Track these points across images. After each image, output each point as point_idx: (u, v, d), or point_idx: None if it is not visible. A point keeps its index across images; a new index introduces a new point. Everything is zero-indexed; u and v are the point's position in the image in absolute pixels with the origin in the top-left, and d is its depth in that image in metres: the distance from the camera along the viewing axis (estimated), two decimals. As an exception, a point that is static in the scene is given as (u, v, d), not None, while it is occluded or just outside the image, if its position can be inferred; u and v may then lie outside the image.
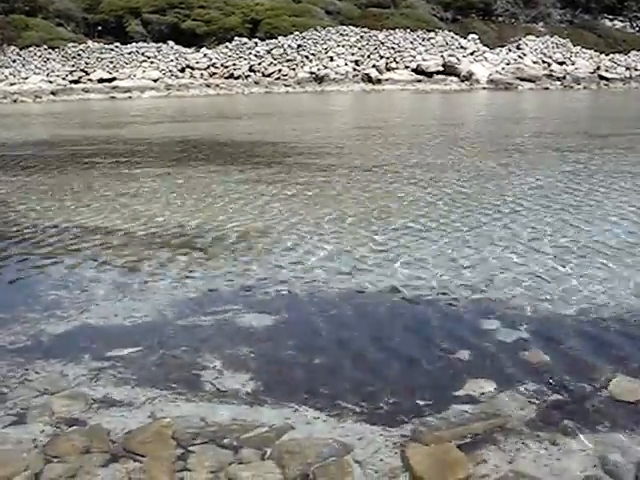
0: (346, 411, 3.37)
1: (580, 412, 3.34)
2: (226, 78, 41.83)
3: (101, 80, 40.22)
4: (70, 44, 41.97)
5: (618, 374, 3.71)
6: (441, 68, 41.77)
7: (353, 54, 42.96)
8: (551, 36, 46.52)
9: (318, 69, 41.85)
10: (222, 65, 42.35)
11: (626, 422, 3.23)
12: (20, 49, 41.07)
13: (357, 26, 44.59)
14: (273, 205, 8.25)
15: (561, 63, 43.72)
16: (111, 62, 41.50)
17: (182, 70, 42.14)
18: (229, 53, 42.84)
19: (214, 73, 42.09)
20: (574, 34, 48.57)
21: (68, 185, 10.04)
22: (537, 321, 4.51)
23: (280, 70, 42.14)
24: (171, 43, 43.24)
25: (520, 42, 45.29)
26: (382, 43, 43.45)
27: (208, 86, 40.86)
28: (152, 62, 42.11)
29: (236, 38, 43.52)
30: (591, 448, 3.02)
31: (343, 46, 43.08)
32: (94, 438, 3.17)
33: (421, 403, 3.44)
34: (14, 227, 7.44)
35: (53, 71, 40.37)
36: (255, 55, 42.73)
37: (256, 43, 43.28)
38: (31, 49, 41.15)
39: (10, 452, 3.08)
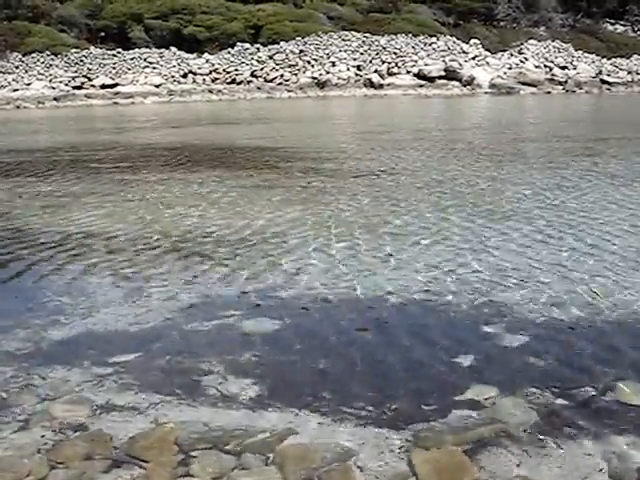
0: (349, 416, 3.36)
1: (584, 416, 3.33)
2: (228, 84, 41.91)
3: (104, 86, 40.31)
4: (73, 50, 42.10)
5: (623, 377, 3.70)
6: (443, 73, 41.80)
7: (355, 59, 43.02)
8: (553, 40, 46.57)
9: (320, 74, 41.91)
10: (224, 71, 42.43)
11: (632, 425, 3.22)
12: (23, 55, 41.20)
13: (359, 31, 44.67)
14: (275, 210, 8.25)
15: (563, 67, 43.75)
16: (113, 68, 41.61)
17: (184, 76, 42.23)
18: (231, 59, 42.93)
19: (216, 79, 42.17)
20: (576, 38, 48.62)
21: (71, 191, 10.05)
22: (539, 325, 4.50)
23: (282, 75, 42.21)
24: (173, 49, 43.36)
25: (522, 47, 45.34)
26: (384, 48, 43.51)
27: (210, 92, 40.93)
28: (154, 68, 42.21)
29: (238, 44, 43.63)
30: (596, 452, 3.01)
31: (345, 51, 43.15)
32: (97, 444, 3.17)
33: (425, 408, 3.43)
34: (17, 233, 7.45)
35: (56, 77, 40.48)
36: (257, 60, 42.82)
37: (258, 49, 43.37)
38: (34, 55, 41.27)
39: (13, 458, 3.07)
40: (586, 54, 45.49)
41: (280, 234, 7.04)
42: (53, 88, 39.57)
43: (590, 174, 10.47)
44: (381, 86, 41.10)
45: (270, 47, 43.42)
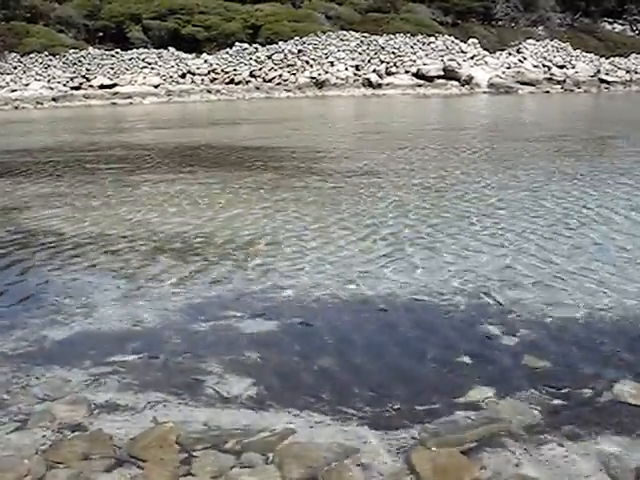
0: (349, 415, 3.36)
1: (583, 416, 3.33)
2: (227, 84, 41.85)
3: (102, 86, 40.25)
4: (71, 50, 42.05)
5: (621, 377, 3.70)
6: (441, 72, 41.77)
7: (353, 59, 42.99)
8: (551, 40, 46.55)
9: (319, 74, 41.89)
10: (223, 71, 42.39)
11: (630, 425, 3.22)
12: (21, 56, 41.13)
13: (357, 31, 44.63)
14: (274, 211, 8.25)
15: (561, 67, 43.73)
16: (112, 68, 41.56)
17: (183, 76, 42.18)
18: (230, 59, 42.90)
19: (215, 79, 42.12)
20: (574, 38, 48.61)
21: (69, 192, 10.05)
22: (539, 326, 4.50)
23: (281, 75, 42.17)
24: (172, 49, 43.31)
25: (520, 46, 45.34)
26: (382, 48, 43.49)
27: (209, 92, 40.89)
28: (153, 68, 42.17)
29: (236, 44, 43.59)
30: (594, 452, 3.01)
31: (343, 51, 43.12)
32: (96, 443, 3.16)
33: (424, 408, 3.43)
34: (16, 234, 7.45)
35: (54, 77, 40.42)
36: (255, 60, 42.78)
37: (256, 48, 43.33)
38: (32, 56, 41.21)
39: (12, 458, 3.07)
40: (584, 53, 45.49)
41: (278, 236, 7.04)
42: (51, 89, 39.50)
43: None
44: (380, 86, 41.06)
45: (268, 47, 43.37)
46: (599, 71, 43.80)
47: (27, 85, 39.70)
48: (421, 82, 41.48)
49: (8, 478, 2.92)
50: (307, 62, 42.67)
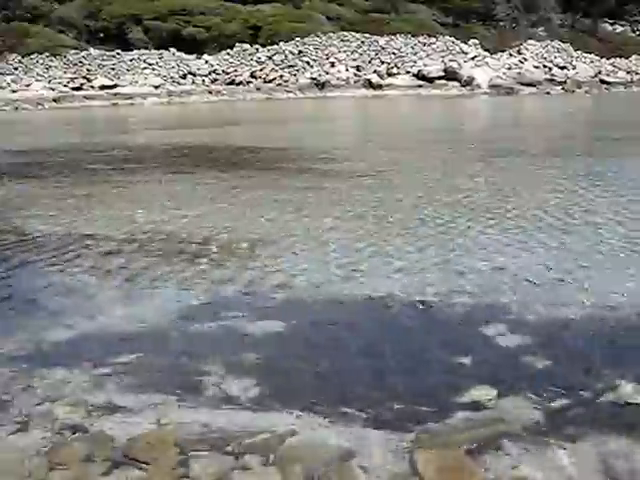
0: (350, 417, 3.35)
1: (585, 416, 3.32)
2: (227, 84, 41.93)
3: (103, 87, 40.33)
4: (72, 51, 42.17)
5: (624, 377, 3.69)
6: (442, 73, 41.82)
7: (354, 60, 43.07)
8: (552, 41, 46.62)
9: (319, 75, 41.94)
10: (223, 71, 42.47)
11: (633, 425, 3.21)
12: (22, 56, 41.25)
13: (358, 32, 44.73)
14: (275, 211, 8.24)
15: (562, 67, 43.79)
16: (113, 69, 41.66)
17: (184, 77, 42.27)
18: (230, 59, 42.99)
19: (215, 79, 42.21)
20: (575, 38, 48.70)
21: (70, 192, 10.05)
22: (539, 325, 4.49)
23: (281, 76, 42.23)
24: (172, 50, 43.40)
25: (521, 47, 45.39)
26: (383, 48, 43.57)
27: (210, 92, 40.97)
28: (154, 69, 42.26)
29: (237, 44, 43.68)
30: (597, 452, 3.00)
31: (344, 52, 43.20)
32: (96, 445, 3.15)
33: (426, 409, 3.42)
34: (16, 234, 7.44)
35: (55, 78, 40.50)
36: (256, 61, 42.87)
37: (257, 49, 43.43)
38: (33, 56, 41.33)
39: (12, 460, 3.06)
40: (585, 54, 45.57)
41: (280, 237, 7.03)
42: (52, 89, 39.56)
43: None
44: (380, 87, 41.11)
45: (269, 48, 43.48)
46: (600, 72, 43.88)
47: (28, 86, 39.77)
48: (422, 83, 41.56)
49: (8, 480, 2.92)
50: (308, 63, 42.75)
